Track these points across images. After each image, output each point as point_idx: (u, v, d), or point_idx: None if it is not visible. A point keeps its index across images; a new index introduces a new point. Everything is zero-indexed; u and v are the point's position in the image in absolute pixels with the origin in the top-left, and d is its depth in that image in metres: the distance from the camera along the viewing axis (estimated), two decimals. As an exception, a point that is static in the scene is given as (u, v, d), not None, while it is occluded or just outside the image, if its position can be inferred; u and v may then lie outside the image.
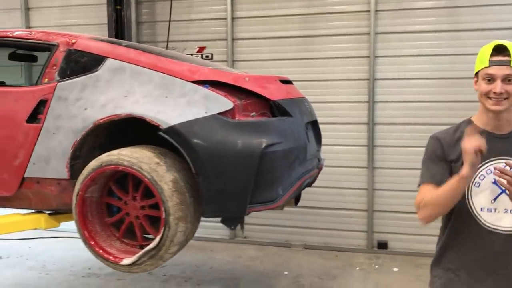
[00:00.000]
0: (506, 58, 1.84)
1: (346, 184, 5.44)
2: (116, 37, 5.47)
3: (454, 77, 5.02)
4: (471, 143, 1.75)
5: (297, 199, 3.52)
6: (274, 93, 3.20)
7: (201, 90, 2.97)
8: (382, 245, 5.35)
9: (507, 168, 1.79)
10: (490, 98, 1.89)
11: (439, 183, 1.92)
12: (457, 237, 2.00)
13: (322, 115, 5.18)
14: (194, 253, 5.38)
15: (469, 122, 2.01)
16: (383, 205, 5.35)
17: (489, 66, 1.87)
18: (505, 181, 1.79)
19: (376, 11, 5.18)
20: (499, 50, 1.86)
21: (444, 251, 2.06)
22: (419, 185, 2.04)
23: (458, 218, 1.98)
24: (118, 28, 5.53)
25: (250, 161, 2.84)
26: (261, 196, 2.93)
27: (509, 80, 1.85)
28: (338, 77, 5.36)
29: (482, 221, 1.93)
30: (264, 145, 2.85)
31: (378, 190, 5.35)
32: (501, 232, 1.91)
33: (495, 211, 1.91)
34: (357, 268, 4.94)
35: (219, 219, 3.16)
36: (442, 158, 2.00)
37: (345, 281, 4.62)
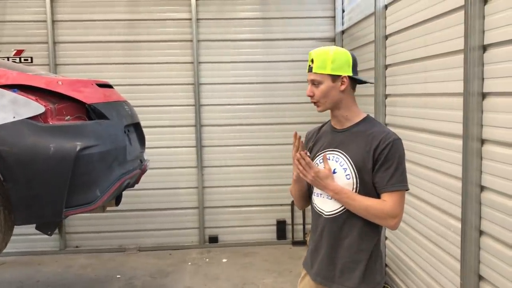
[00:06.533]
0: (311, 65, 1.99)
1: (178, 184, 5.65)
2: None
3: (267, 81, 5.58)
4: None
5: (118, 199, 3.60)
6: (90, 96, 3.25)
7: (8, 94, 2.90)
8: (213, 239, 5.69)
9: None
10: None
11: None
12: (312, 217, 2.20)
13: (152, 118, 5.35)
14: (18, 269, 5.04)
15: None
16: (213, 201, 5.70)
17: (308, 72, 2.03)
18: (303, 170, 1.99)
19: (198, 19, 5.50)
20: (310, 58, 2.02)
21: None
22: None
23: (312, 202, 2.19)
24: None
25: (64, 165, 2.86)
26: (78, 199, 2.97)
27: (314, 84, 1.99)
28: (165, 81, 5.54)
29: (314, 204, 2.12)
30: (78, 148, 2.89)
31: (208, 188, 5.68)
32: (324, 215, 2.05)
33: (321, 196, 2.06)
34: (189, 263, 5.18)
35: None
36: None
37: (177, 277, 4.81)
